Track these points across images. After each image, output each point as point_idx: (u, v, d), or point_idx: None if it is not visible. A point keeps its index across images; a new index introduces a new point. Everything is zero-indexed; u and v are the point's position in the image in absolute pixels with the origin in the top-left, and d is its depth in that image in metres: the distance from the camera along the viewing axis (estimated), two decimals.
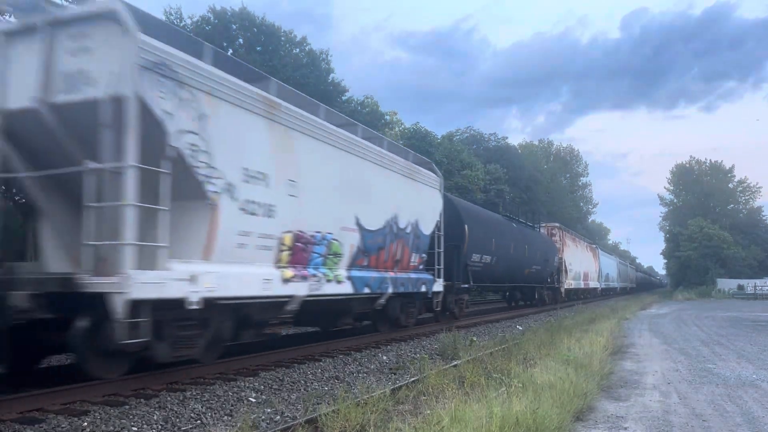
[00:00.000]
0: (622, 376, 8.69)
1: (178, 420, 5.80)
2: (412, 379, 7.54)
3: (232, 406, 6.43)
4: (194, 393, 6.78)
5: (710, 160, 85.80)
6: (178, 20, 32.44)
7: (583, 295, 38.46)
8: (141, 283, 6.27)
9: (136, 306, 6.24)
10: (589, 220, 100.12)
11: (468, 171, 39.11)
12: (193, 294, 7.01)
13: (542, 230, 30.30)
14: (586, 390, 6.74)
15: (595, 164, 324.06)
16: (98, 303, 6.18)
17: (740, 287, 56.97)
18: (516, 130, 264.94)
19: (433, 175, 15.09)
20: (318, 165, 9.76)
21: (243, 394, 6.96)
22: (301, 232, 9.37)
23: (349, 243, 10.87)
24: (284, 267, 8.97)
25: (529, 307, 26.84)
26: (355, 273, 11.12)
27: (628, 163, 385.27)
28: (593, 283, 41.68)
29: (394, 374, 8.72)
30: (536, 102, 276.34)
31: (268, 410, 6.25)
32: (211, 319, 7.66)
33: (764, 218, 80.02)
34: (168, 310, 6.83)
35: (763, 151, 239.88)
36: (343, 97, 35.37)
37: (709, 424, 5.87)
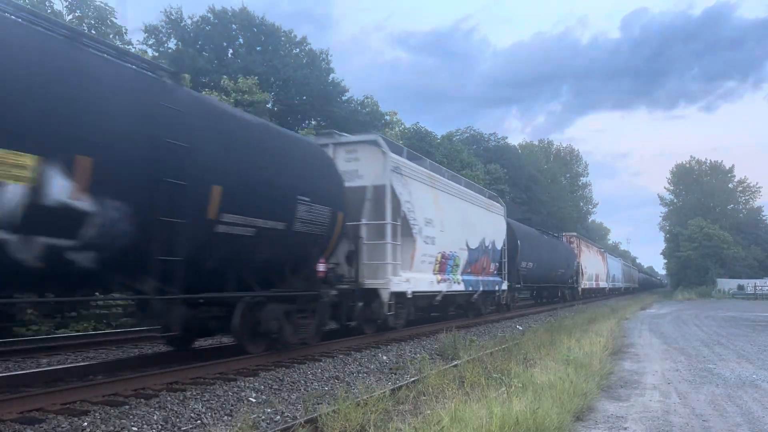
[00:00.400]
0: (622, 376, 8.69)
1: (178, 420, 5.80)
2: (412, 379, 7.54)
3: (232, 406, 6.43)
4: (194, 393, 6.78)
5: (710, 160, 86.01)
6: (179, 20, 32.43)
7: (594, 294, 43.00)
8: (394, 283, 12.13)
9: (391, 295, 12.05)
10: (589, 220, 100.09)
11: (468, 171, 39.13)
12: (409, 289, 12.96)
13: (563, 239, 35.54)
14: (586, 390, 6.74)
15: (595, 164, 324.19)
16: (371, 294, 11.86)
17: (740, 287, 56.95)
18: (516, 130, 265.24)
19: (499, 205, 20.96)
20: (450, 210, 15.58)
21: (243, 394, 6.96)
22: (444, 252, 15.00)
23: (463, 257, 16.47)
24: (437, 274, 14.74)
25: (553, 303, 31.27)
26: (465, 277, 16.79)
27: (628, 163, 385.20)
28: (603, 284, 46.37)
29: (394, 374, 8.72)
30: (536, 102, 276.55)
31: (268, 410, 6.25)
32: (407, 304, 13.32)
33: (764, 218, 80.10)
34: (399, 298, 12.64)
35: (763, 151, 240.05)
36: (343, 97, 35.36)
37: (709, 424, 5.87)
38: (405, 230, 12.77)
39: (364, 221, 11.96)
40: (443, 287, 15.02)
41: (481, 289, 18.02)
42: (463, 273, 16.47)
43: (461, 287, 16.40)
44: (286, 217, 8.70)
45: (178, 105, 6.99)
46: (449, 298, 16.08)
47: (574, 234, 39.25)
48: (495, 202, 20.43)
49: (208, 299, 8.19)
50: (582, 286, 36.57)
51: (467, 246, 16.70)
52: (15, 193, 5.21)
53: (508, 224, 21.57)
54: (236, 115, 8.81)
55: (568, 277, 33.54)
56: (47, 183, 5.46)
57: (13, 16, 5.82)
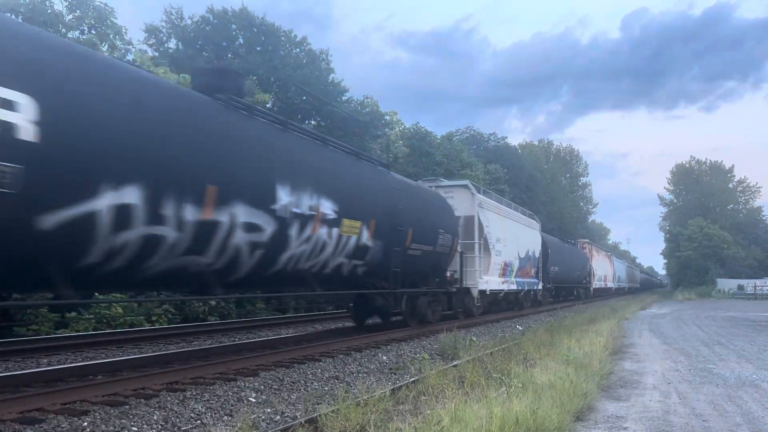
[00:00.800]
0: (622, 376, 8.69)
1: (178, 420, 5.80)
2: (412, 379, 7.54)
3: (232, 406, 6.43)
4: (194, 393, 6.78)
5: (710, 160, 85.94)
6: (179, 20, 32.42)
7: (603, 293, 48.52)
8: (480, 284, 17.56)
9: (478, 292, 17.58)
10: (589, 220, 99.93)
11: (468, 171, 39.10)
12: (487, 288, 18.29)
13: (578, 245, 41.23)
14: (586, 390, 6.74)
15: (595, 164, 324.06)
16: (466, 291, 17.20)
17: (740, 287, 56.94)
18: (516, 130, 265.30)
19: (536, 222, 26.81)
20: (509, 230, 21.08)
21: (243, 394, 6.96)
22: (505, 261, 20.39)
23: (516, 265, 21.91)
24: (501, 277, 20.11)
25: (570, 301, 36.71)
26: (517, 279, 22.29)
27: (628, 163, 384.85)
28: (610, 284, 51.95)
29: (394, 374, 8.72)
30: (536, 102, 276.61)
31: (268, 410, 6.25)
32: (485, 298, 18.74)
33: (764, 218, 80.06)
34: (481, 294, 17.96)
35: (763, 151, 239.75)
36: (343, 97, 35.32)
37: (709, 424, 5.87)
38: (485, 247, 18.30)
39: (459, 241, 16.31)
40: (504, 287, 20.72)
41: (525, 288, 23.89)
42: (515, 276, 22.05)
43: (515, 287, 22.05)
44: (433, 243, 14.14)
45: (395, 185, 12.65)
46: (506, 295, 21.72)
47: (587, 240, 45.69)
48: (533, 221, 26.50)
49: (389, 293, 12.80)
50: (593, 286, 42.47)
51: (518, 256, 22.32)
52: (352, 240, 10.51)
53: (542, 237, 27.43)
54: (412, 184, 14.67)
55: (583, 278, 39.20)
56: (361, 234, 10.78)
57: (346, 152, 11.35)
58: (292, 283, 10.62)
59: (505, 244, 20.28)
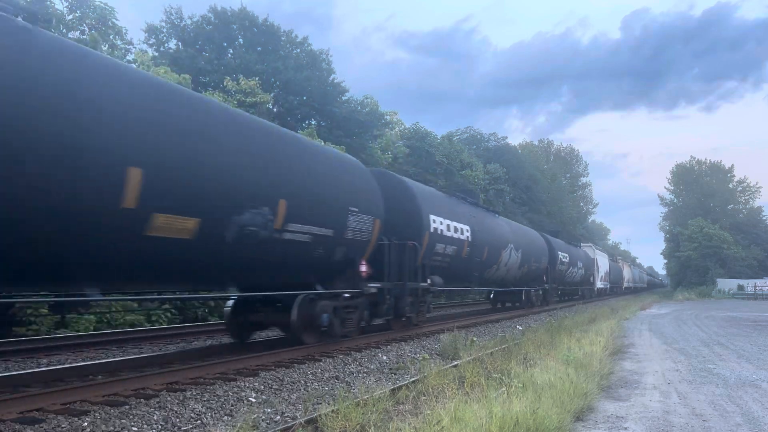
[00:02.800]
0: (622, 376, 8.69)
1: (178, 420, 5.80)
2: (412, 379, 7.54)
3: (232, 406, 6.43)
4: (194, 393, 6.78)
5: (710, 160, 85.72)
6: (179, 20, 32.39)
7: (627, 290, 65.48)
8: (597, 285, 43.52)
9: (596, 288, 44.64)
10: (589, 220, 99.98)
11: (468, 171, 39.16)
12: (600, 287, 45.01)
13: (615, 259, 61.98)
14: (586, 390, 6.74)
15: (595, 164, 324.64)
16: (592, 288, 43.46)
17: (740, 287, 56.92)
18: (516, 130, 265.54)
19: (606, 253, 52.41)
20: (602, 260, 46.23)
21: (243, 394, 6.96)
22: (602, 274, 45.32)
23: (604, 276, 46.47)
24: (601, 282, 44.78)
25: (613, 295, 52.33)
26: (603, 283, 46.43)
27: (628, 163, 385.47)
28: (630, 284, 69.89)
29: (394, 374, 8.72)
30: (537, 102, 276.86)
31: (268, 410, 6.25)
32: (599, 291, 45.50)
33: (764, 218, 79.88)
34: (598, 290, 45.00)
35: (763, 151, 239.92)
36: (343, 97, 35.32)
37: (710, 424, 5.87)
38: (597, 269, 40.95)
39: (579, 265, 33.80)
40: (601, 286, 43.25)
41: (606, 287, 44.77)
42: (603, 281, 43.50)
43: (603, 286, 43.65)
44: (590, 269, 38.52)
45: (560, 247, 32.45)
46: (602, 290, 43.52)
47: (620, 257, 72.99)
48: (606, 252, 49.99)
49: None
50: (624, 286, 62.25)
51: (604, 271, 44.28)
52: (542, 268, 27.24)
53: (608, 260, 49.25)
54: (573, 249, 35.77)
55: (619, 281, 58.43)
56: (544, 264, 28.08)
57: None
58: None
59: (601, 267, 42.56)
